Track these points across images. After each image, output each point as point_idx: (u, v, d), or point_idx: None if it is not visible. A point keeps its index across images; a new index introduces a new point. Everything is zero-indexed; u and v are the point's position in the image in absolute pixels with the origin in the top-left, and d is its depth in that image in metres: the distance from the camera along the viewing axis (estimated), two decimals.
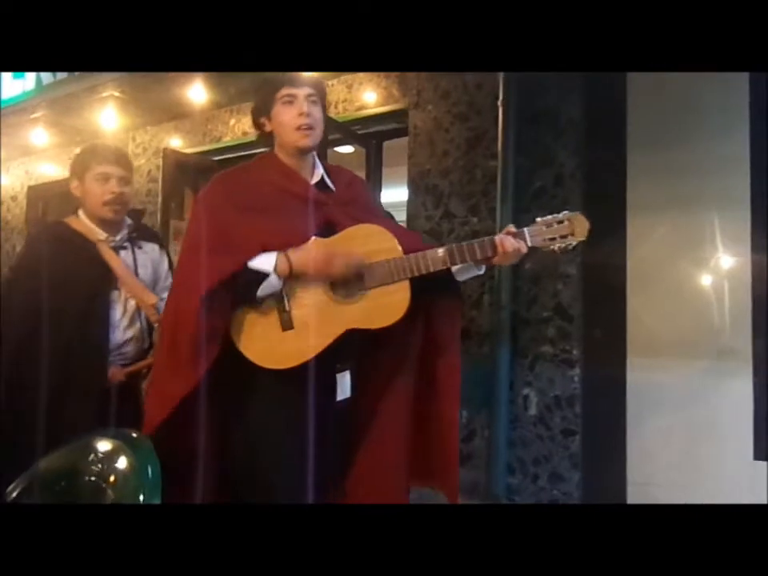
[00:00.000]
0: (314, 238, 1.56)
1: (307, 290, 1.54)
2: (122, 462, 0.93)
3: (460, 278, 1.68)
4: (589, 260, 2.75)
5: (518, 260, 1.61)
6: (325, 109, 1.67)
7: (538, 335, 2.89)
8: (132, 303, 1.96)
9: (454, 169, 3.32)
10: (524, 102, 3.04)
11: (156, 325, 1.94)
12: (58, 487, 0.92)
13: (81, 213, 2.01)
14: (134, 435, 0.99)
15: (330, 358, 1.55)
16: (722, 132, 2.59)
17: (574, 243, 1.58)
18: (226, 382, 1.53)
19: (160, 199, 4.84)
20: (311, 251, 1.52)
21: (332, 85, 4.07)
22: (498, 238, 1.56)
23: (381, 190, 4.06)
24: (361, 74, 3.92)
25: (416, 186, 3.46)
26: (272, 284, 1.50)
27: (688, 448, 2.51)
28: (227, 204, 1.57)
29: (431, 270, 1.55)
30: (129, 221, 2.05)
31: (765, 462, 2.31)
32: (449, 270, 1.63)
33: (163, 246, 2.18)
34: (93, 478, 0.91)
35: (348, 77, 3.97)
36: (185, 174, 4.81)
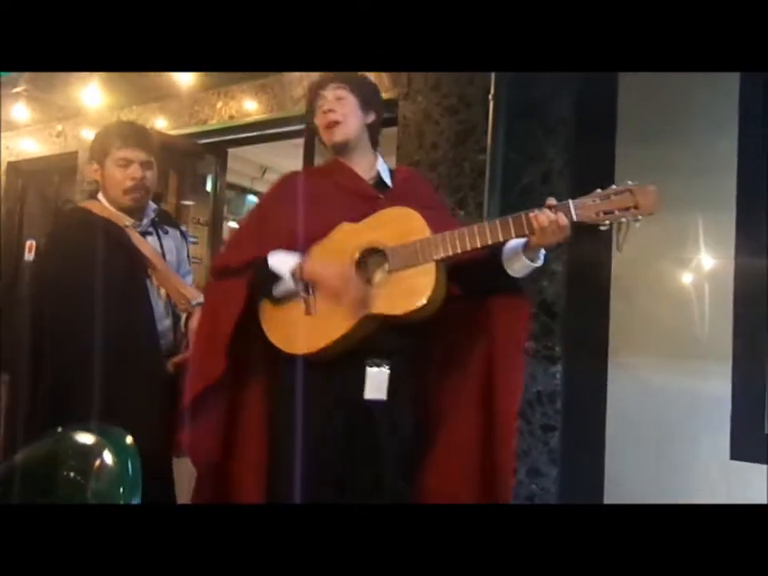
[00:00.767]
0: (343, 223, 1.54)
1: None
2: (101, 458, 0.91)
3: (515, 272, 1.56)
4: (574, 257, 2.76)
5: (564, 239, 1.43)
6: (362, 97, 1.65)
7: None
8: (163, 292, 1.87)
9: (443, 161, 3.30)
10: (515, 96, 3.03)
11: (184, 315, 1.88)
12: (35, 481, 0.90)
13: (101, 197, 1.89)
14: (115, 430, 0.96)
15: (358, 350, 1.51)
16: (710, 132, 2.60)
17: (640, 218, 1.37)
18: (260, 365, 1.59)
19: None
20: (325, 269, 1.50)
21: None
22: (532, 212, 1.42)
23: None
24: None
25: None
26: (288, 285, 1.51)
27: (666, 447, 2.54)
28: (277, 195, 1.68)
29: (459, 250, 1.44)
30: (153, 205, 1.96)
31: (741, 463, 2.34)
32: (500, 265, 1.54)
33: (183, 231, 2.11)
34: (71, 473, 0.89)
35: None
36: (169, 156, 4.73)
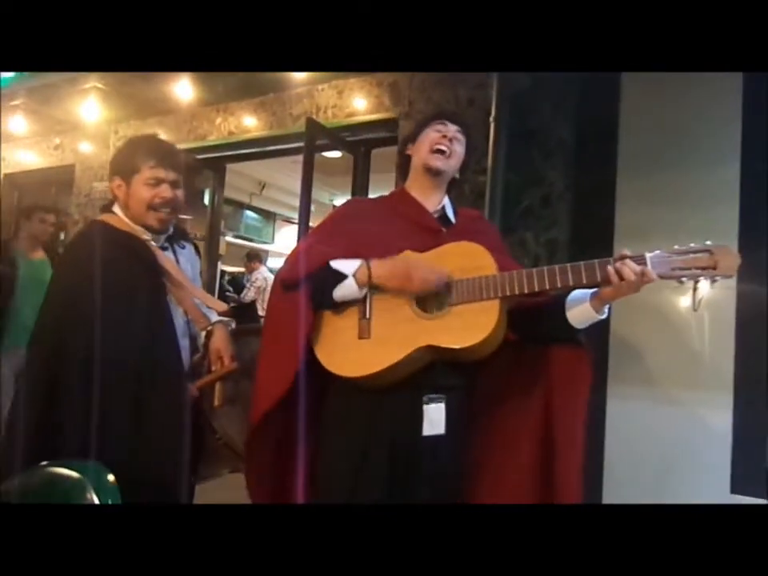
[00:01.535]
0: (407, 251, 1.52)
1: (391, 301, 1.49)
2: (83, 496, 0.86)
3: (577, 323, 1.48)
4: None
5: (638, 292, 1.36)
6: (468, 149, 1.71)
7: None
8: (181, 309, 1.77)
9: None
10: (516, 119, 3.02)
11: (203, 333, 1.79)
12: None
13: (117, 210, 1.77)
14: (96, 467, 0.91)
15: (414, 383, 1.46)
16: (713, 160, 2.59)
17: (718, 279, 1.33)
18: (316, 385, 1.54)
19: None
20: (393, 263, 1.48)
21: (322, 90, 4.02)
22: (612, 263, 1.35)
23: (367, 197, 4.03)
24: (352, 80, 3.87)
25: None
26: (350, 288, 1.48)
27: (665, 478, 2.49)
28: (343, 216, 1.69)
29: (525, 290, 1.40)
30: (170, 227, 1.85)
31: (742, 497, 2.29)
32: (563, 315, 1.47)
33: (197, 247, 2.02)
34: None
35: (339, 82, 3.93)
36: None
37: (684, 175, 2.64)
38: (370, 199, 1.82)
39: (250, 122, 4.40)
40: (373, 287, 1.50)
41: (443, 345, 1.42)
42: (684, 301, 2.58)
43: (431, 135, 1.66)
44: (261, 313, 5.73)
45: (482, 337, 1.40)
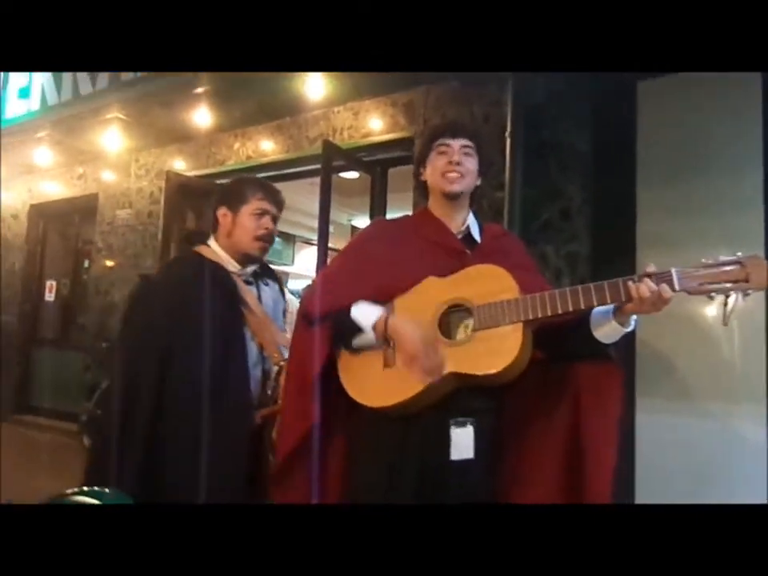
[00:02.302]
0: (430, 277, 1.51)
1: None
2: None
3: (604, 338, 1.45)
4: None
5: (662, 309, 1.32)
6: (482, 160, 1.65)
7: None
8: (256, 341, 1.84)
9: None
10: (531, 134, 3.01)
11: (276, 367, 1.84)
12: None
13: (212, 243, 1.91)
14: (118, 496, 0.92)
15: (442, 407, 1.45)
16: (735, 166, 2.56)
17: (750, 292, 1.27)
18: (342, 418, 1.55)
19: (162, 221, 4.80)
20: (408, 335, 1.44)
21: (338, 112, 4.06)
22: (633, 282, 1.33)
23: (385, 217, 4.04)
24: (367, 102, 3.91)
25: None
26: (368, 340, 1.48)
27: (699, 492, 2.43)
28: (364, 243, 1.68)
29: (549, 312, 1.37)
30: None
31: None
32: (588, 329, 1.45)
33: (282, 287, 2.09)
34: None
35: (354, 104, 3.97)
36: (187, 196, 4.79)
37: (705, 183, 2.61)
38: (394, 220, 1.78)
39: (267, 146, 4.46)
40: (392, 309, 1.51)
41: (468, 372, 1.40)
42: (712, 310, 2.53)
43: (438, 162, 1.61)
44: None
45: (506, 363, 1.37)
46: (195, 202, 4.80)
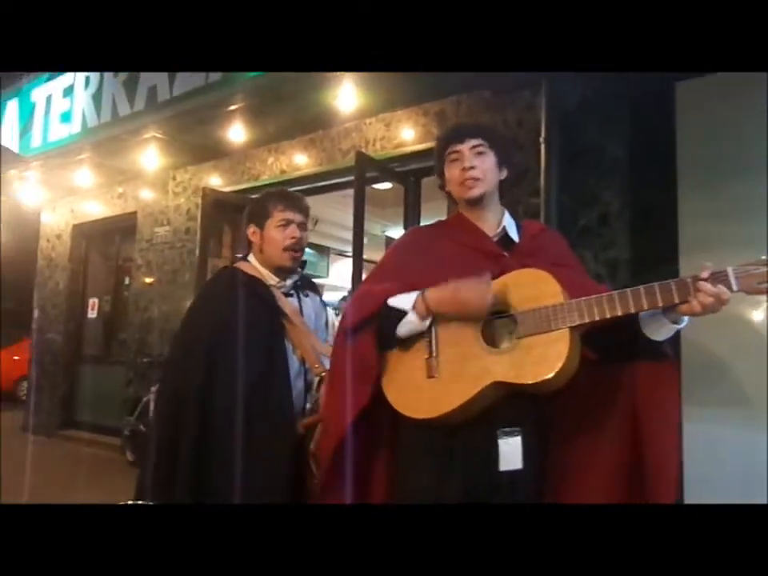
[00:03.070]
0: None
1: (457, 336, 1.44)
2: None
3: (655, 335, 1.40)
4: None
5: (717, 311, 1.26)
6: (500, 153, 1.60)
7: None
8: (298, 353, 1.87)
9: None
10: (567, 139, 2.97)
11: (317, 378, 1.86)
12: None
13: (251, 258, 1.96)
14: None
15: (488, 417, 1.41)
16: None
17: None
18: (383, 423, 1.53)
19: (199, 237, 4.88)
20: (444, 287, 1.43)
21: (370, 123, 4.08)
22: (690, 281, 1.27)
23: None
24: (399, 112, 3.91)
25: None
26: (412, 323, 1.46)
27: (746, 500, 2.32)
28: (400, 254, 1.67)
29: (596, 317, 1.32)
30: (298, 268, 2.00)
31: None
32: (637, 327, 1.39)
33: (323, 299, 2.12)
34: None
35: (386, 115, 3.97)
36: (223, 212, 4.86)
37: (748, 185, 2.51)
38: (429, 227, 1.75)
39: (300, 160, 4.50)
40: (435, 316, 1.47)
41: (514, 381, 1.35)
42: (759, 315, 2.44)
43: (452, 171, 1.58)
44: None
45: (554, 371, 1.32)
46: (231, 217, 4.87)
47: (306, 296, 1.99)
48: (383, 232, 7.82)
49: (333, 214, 7.68)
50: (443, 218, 1.82)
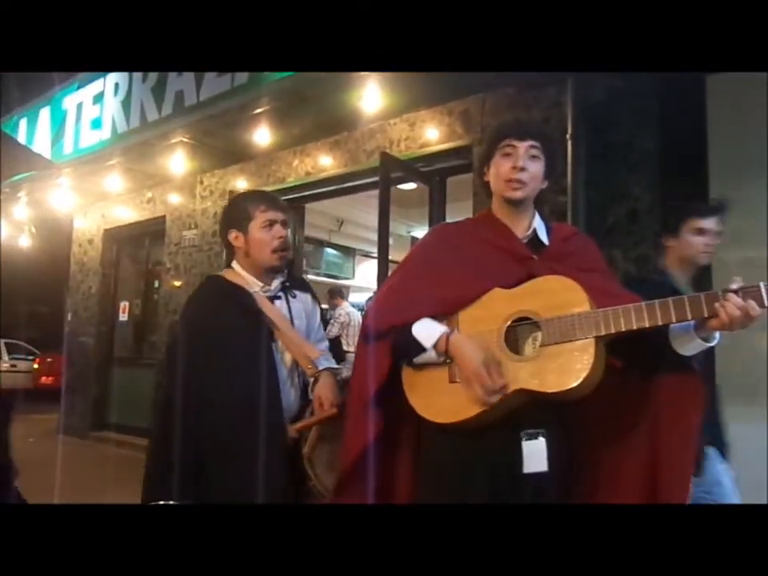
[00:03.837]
0: (496, 289, 1.46)
1: (480, 343, 1.42)
2: None
3: (684, 351, 1.38)
4: None
5: (747, 326, 1.23)
6: (549, 162, 1.55)
7: None
8: (288, 356, 1.87)
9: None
10: (594, 135, 2.93)
11: (311, 380, 1.85)
12: None
13: (235, 264, 1.93)
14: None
15: (513, 419, 1.40)
16: None
17: None
18: (408, 432, 1.54)
19: None
20: (469, 356, 1.40)
21: (394, 124, 4.07)
22: (719, 298, 1.24)
23: None
24: (423, 112, 3.90)
25: None
26: (430, 358, 1.45)
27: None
28: (426, 252, 1.63)
29: (623, 328, 1.30)
30: (285, 268, 1.97)
31: None
32: (667, 342, 1.37)
33: (315, 295, 2.09)
34: None
35: (410, 115, 3.97)
36: None
37: None
38: (456, 224, 1.71)
39: (325, 162, 4.52)
40: (458, 319, 1.46)
41: (536, 389, 1.34)
42: None
43: (502, 166, 1.53)
44: (345, 348, 5.76)
45: (577, 381, 1.30)
46: None
47: (294, 297, 1.96)
48: (409, 233, 7.81)
49: (358, 215, 7.71)
50: (469, 216, 1.80)
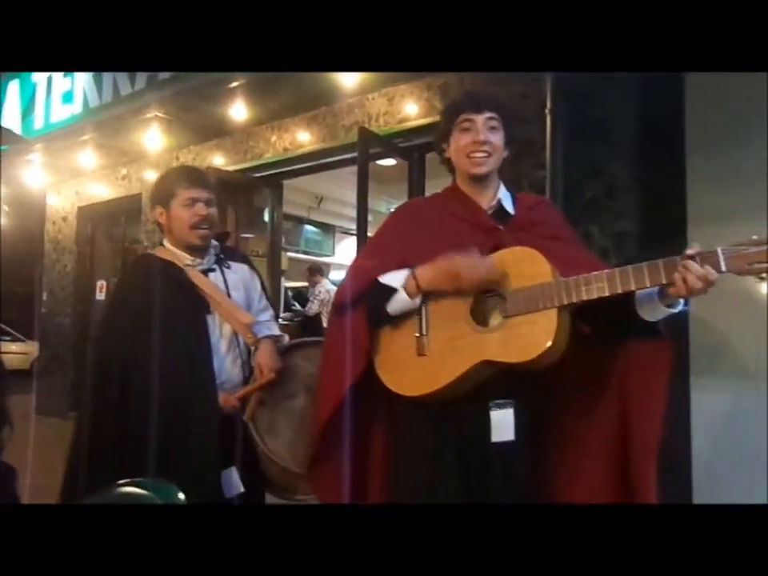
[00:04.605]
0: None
1: (447, 314, 1.45)
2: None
3: (650, 317, 1.39)
4: None
5: (706, 291, 1.24)
6: (508, 131, 1.56)
7: None
8: (228, 327, 1.89)
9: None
10: (573, 111, 2.92)
11: (253, 348, 1.89)
12: None
13: (166, 242, 1.95)
14: (167, 487, 0.92)
15: (480, 390, 1.42)
16: None
17: None
18: (381, 407, 1.56)
19: None
20: (439, 264, 1.42)
21: (372, 98, 4.03)
22: (677, 264, 1.24)
23: None
24: (402, 87, 3.86)
25: None
26: (402, 301, 1.46)
27: (759, 476, 2.33)
28: (392, 228, 1.64)
29: (584, 297, 1.30)
30: (214, 242, 1.99)
31: None
32: (633, 308, 1.38)
33: (253, 266, 2.11)
34: None
35: (389, 89, 3.92)
36: (227, 191, 4.83)
37: (759, 157, 2.47)
38: (424, 200, 1.74)
39: (303, 137, 4.46)
40: (425, 294, 1.46)
41: (501, 360, 1.36)
42: (764, 291, 2.42)
43: (461, 140, 1.52)
44: (325, 325, 5.78)
45: (540, 350, 1.32)
46: (235, 196, 4.85)
47: (228, 267, 1.97)
48: (388, 209, 7.78)
49: (337, 191, 7.66)
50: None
